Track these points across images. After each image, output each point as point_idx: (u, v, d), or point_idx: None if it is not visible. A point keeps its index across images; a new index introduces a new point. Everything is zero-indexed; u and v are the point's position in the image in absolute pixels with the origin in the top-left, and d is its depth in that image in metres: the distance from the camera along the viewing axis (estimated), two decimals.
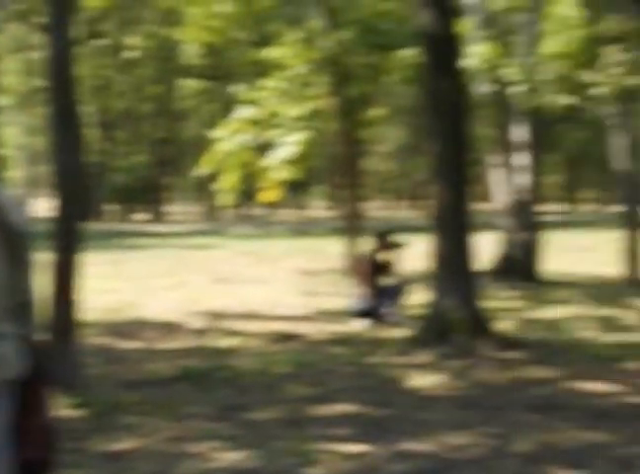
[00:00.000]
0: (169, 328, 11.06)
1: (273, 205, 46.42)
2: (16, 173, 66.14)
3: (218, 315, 11.98)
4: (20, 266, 3.76)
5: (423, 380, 8.06)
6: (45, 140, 54.27)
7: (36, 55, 51.84)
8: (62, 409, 6.88)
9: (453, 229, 9.92)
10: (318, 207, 66.52)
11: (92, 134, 45.56)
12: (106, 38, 46.32)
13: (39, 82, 52.01)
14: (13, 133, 62.14)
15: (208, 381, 8.04)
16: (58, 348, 7.25)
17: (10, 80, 55.82)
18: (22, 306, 3.79)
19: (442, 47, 9.89)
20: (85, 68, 39.17)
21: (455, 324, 9.51)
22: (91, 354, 8.65)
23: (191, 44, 32.69)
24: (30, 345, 3.90)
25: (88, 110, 42.81)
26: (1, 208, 3.85)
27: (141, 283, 15.69)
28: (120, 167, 50.82)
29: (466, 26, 16.94)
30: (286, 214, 56.95)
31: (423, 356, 9.12)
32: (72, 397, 7.00)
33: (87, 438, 6.21)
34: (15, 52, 53.68)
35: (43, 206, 51.99)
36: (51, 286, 7.31)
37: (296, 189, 51.46)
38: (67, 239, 7.37)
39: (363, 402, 7.26)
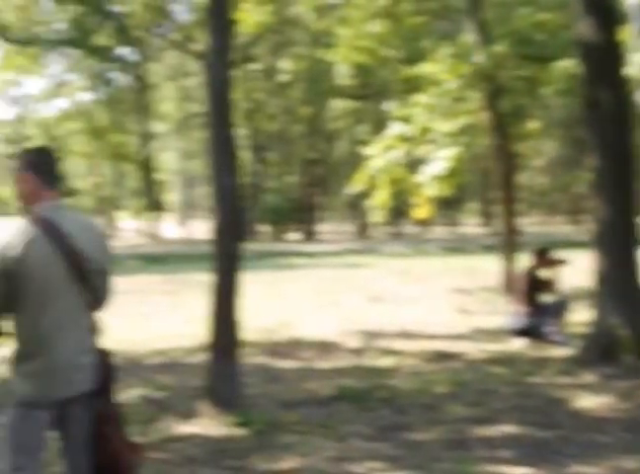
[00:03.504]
0: (325, 347, 11.08)
1: (425, 223, 46.15)
2: (172, 197, 68.37)
3: (374, 334, 11.94)
4: (89, 286, 3.99)
5: (588, 401, 7.76)
6: (202, 164, 55.81)
7: (191, 82, 53.60)
8: (224, 427, 6.96)
9: (615, 245, 9.54)
10: (470, 224, 65.71)
11: (244, 156, 46.56)
12: (258, 61, 47.28)
13: (194, 108, 53.71)
14: (169, 158, 64.33)
15: (366, 401, 7.98)
16: (220, 367, 7.35)
17: (166, 107, 57.86)
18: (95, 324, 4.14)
19: (603, 56, 9.55)
20: (238, 92, 40.02)
21: (620, 343, 9.14)
22: (250, 373, 8.73)
23: (341, 65, 32.92)
24: (101, 358, 4.18)
25: (240, 132, 43.73)
26: (68, 237, 3.99)
27: (296, 303, 15.83)
28: (272, 188, 51.78)
29: (628, 33, 16.42)
30: (439, 231, 56.50)
31: (587, 377, 8.79)
32: (233, 416, 7.08)
33: (248, 457, 6.26)
34: (171, 80, 55.59)
35: (199, 229, 53.26)
36: (213, 307, 7.42)
37: (448, 205, 51.05)
38: (227, 260, 7.47)
39: (527, 423, 7.05)
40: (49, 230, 3.93)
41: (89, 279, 4.02)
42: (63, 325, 3.94)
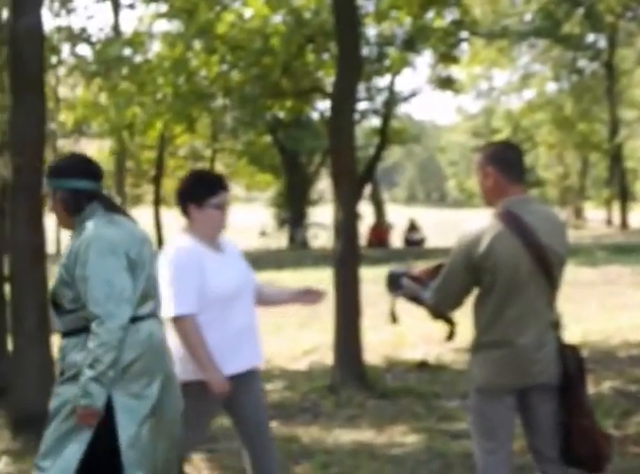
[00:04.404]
0: None
1: None
2: None
3: None
4: (551, 279, 4.00)
5: None
6: None
7: None
8: None
9: None
10: None
11: None
12: None
13: None
14: (636, 146, 62.08)
15: None
16: None
17: (636, 93, 55.89)
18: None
19: None
20: None
21: None
22: None
23: None
24: (567, 351, 4.01)
25: None
26: (533, 231, 3.89)
27: None
28: None
29: None
30: None
31: None
32: None
33: None
34: None
35: None
36: None
37: None
38: None
39: None
40: (514, 225, 3.94)
41: (552, 273, 3.98)
42: (525, 318, 3.95)
